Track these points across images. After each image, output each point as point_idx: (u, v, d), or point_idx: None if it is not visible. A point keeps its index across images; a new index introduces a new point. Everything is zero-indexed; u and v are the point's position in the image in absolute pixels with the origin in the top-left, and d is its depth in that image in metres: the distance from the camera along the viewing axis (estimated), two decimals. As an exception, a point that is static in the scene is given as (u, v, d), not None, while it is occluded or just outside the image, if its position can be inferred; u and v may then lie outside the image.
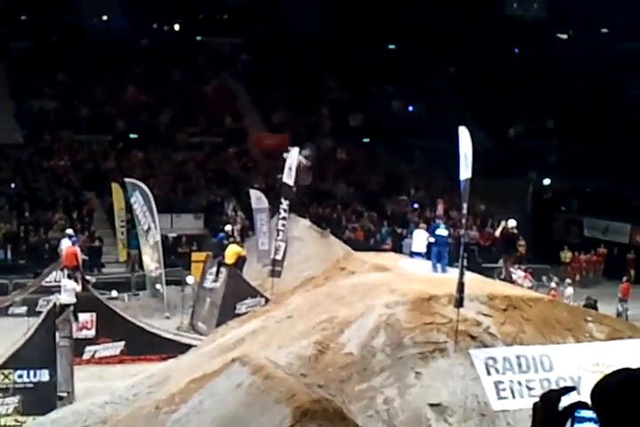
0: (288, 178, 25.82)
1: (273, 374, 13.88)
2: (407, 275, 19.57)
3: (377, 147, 40.14)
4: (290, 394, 13.20)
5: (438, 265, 20.14)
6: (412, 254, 22.33)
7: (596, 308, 24.42)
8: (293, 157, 26.55)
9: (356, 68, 41.25)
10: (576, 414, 2.23)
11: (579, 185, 36.22)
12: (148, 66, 40.61)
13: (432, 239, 20.66)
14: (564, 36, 36.80)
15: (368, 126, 40.96)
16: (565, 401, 2.21)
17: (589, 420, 2.20)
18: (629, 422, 2.05)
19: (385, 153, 39.56)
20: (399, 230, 34.57)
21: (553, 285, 28.07)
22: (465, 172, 17.31)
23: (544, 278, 29.49)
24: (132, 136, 38.51)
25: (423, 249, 21.56)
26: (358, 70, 41.19)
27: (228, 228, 29.05)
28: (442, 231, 20.88)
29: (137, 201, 30.12)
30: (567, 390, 2.23)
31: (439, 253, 20.23)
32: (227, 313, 23.65)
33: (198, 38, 42.56)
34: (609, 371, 10.60)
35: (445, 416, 14.45)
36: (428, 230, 21.91)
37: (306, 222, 30.43)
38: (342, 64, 41.42)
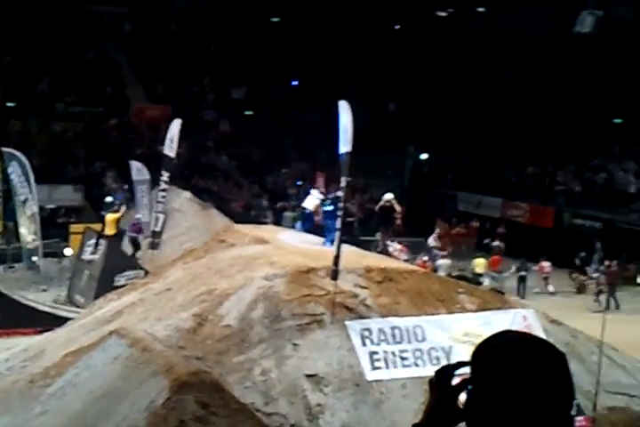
0: (169, 149, 25.63)
1: (150, 347, 13.92)
2: (286, 247, 19.75)
3: (259, 119, 40.15)
4: (167, 367, 13.28)
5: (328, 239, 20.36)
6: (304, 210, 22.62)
7: (466, 279, 25.14)
8: (175, 128, 26.34)
9: (239, 40, 41.06)
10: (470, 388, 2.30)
11: (454, 160, 37.00)
12: (27, 33, 39.54)
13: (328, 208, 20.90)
14: (444, 14, 37.45)
15: (251, 99, 40.92)
16: (459, 376, 2.25)
17: None
18: (504, 383, 2.07)
19: (267, 126, 39.62)
20: (280, 204, 34.77)
21: (425, 257, 28.70)
22: (345, 146, 17.53)
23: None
24: (9, 104, 37.53)
25: (311, 207, 21.90)
26: (241, 42, 41.02)
27: (108, 199, 28.73)
28: (328, 207, 21.15)
29: (14, 171, 29.50)
30: (460, 365, 2.26)
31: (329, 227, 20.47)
32: (105, 285, 23.44)
33: (81, 6, 41.59)
34: (479, 341, 11.09)
35: (321, 387, 14.73)
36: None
37: (187, 194, 30.31)
38: (225, 36, 41.17)
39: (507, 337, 2.20)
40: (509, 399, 2.05)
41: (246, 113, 40.58)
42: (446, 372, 2.23)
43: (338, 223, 17.32)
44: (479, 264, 29.92)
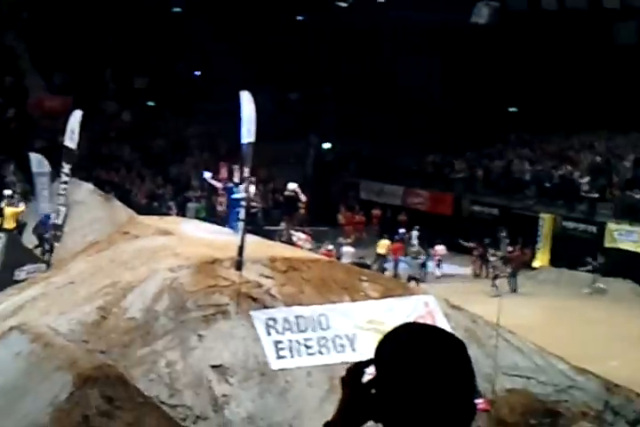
0: (70, 141, 25.23)
1: (53, 342, 13.80)
2: (191, 238, 19.73)
3: (162, 110, 39.83)
4: (70, 361, 13.20)
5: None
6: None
7: (368, 267, 25.52)
8: (75, 119, 25.94)
9: (141, 30, 40.63)
10: None
11: (356, 149, 37.32)
12: None
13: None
14: (344, 4, 37.73)
15: (153, 89, 40.55)
16: (369, 373, 2.22)
17: None
18: (408, 377, 2.09)
19: (169, 116, 39.34)
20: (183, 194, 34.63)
21: (330, 247, 28.95)
22: (247, 136, 17.60)
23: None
24: None
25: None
26: (143, 32, 40.60)
27: (7, 192, 28.17)
28: (237, 195, 21.26)
29: None
30: (371, 362, 2.22)
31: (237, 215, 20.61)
32: (5, 280, 23.00)
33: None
34: (382, 328, 11.39)
35: (226, 377, 14.82)
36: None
37: (89, 186, 29.86)
38: (127, 25, 40.68)
39: (408, 331, 2.19)
40: (414, 392, 2.08)
41: (148, 104, 40.21)
42: (356, 369, 2.27)
43: (242, 213, 17.39)
44: (382, 246, 30.39)
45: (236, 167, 21.32)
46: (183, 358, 15.01)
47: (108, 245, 19.98)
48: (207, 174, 22.69)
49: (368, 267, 25.49)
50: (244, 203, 17.36)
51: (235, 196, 21.12)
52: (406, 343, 2.13)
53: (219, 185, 22.34)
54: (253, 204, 25.78)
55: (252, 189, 21.65)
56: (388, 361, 2.14)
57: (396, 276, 29.06)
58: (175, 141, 38.28)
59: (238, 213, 20.37)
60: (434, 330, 2.19)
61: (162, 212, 31.64)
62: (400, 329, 2.19)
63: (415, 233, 31.67)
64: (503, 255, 29.57)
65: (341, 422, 2.23)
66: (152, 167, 36.78)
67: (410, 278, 28.00)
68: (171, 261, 17.05)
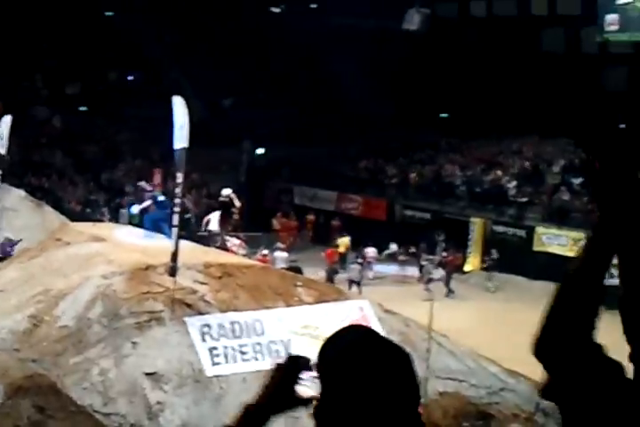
0: (0, 147, 24.89)
1: (-16, 351, 13.62)
2: (124, 245, 19.61)
3: (94, 116, 39.47)
4: (2, 371, 13.07)
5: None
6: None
7: (300, 272, 25.54)
8: (5, 124, 25.58)
9: (72, 34, 40.19)
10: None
11: (289, 154, 37.39)
12: None
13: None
14: (277, 10, 37.82)
15: (85, 95, 40.17)
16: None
17: None
18: (351, 385, 2.05)
19: (102, 122, 39.01)
20: (117, 200, 34.36)
21: (265, 251, 29.00)
22: (180, 141, 17.56)
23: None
24: None
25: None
26: (74, 37, 40.16)
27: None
28: (162, 198, 21.26)
29: None
30: (310, 367, 2.23)
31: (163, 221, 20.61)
32: None
33: None
34: (317, 333, 11.37)
35: (161, 384, 14.75)
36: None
37: (20, 192, 29.46)
38: (58, 30, 40.20)
39: (351, 334, 2.17)
40: (357, 399, 2.05)
41: (80, 109, 39.83)
42: (298, 360, 2.29)
43: (175, 219, 17.31)
44: (342, 244, 30.76)
45: (171, 173, 21.28)
46: (117, 366, 14.92)
47: (40, 252, 19.76)
48: (142, 183, 22.68)
49: (300, 271, 25.50)
50: (177, 209, 17.26)
51: (159, 199, 21.20)
52: (349, 347, 2.11)
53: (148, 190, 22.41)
54: (185, 210, 25.77)
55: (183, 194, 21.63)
56: (331, 365, 2.11)
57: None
58: (107, 147, 37.97)
59: (164, 220, 20.41)
60: (377, 337, 2.18)
61: (95, 218, 31.35)
62: (343, 332, 2.17)
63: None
64: (439, 259, 29.96)
65: (263, 406, 2.25)
66: (84, 173, 36.43)
67: (351, 282, 28.22)
68: (103, 268, 16.94)
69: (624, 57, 34.42)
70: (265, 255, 28.63)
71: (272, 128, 37.88)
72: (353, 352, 2.10)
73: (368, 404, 2.06)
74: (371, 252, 31.04)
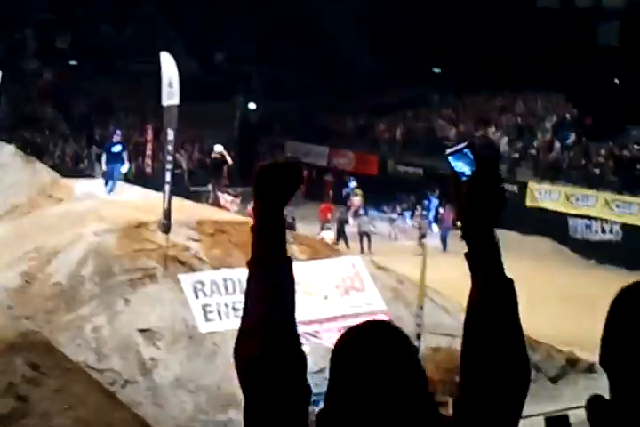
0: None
1: (-23, 308, 13.63)
2: (116, 201, 19.60)
3: (85, 69, 39.09)
4: (-5, 328, 13.07)
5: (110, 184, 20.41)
6: None
7: (293, 228, 25.50)
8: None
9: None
10: None
11: (282, 109, 37.13)
12: None
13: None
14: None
15: (75, 48, 39.75)
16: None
17: None
18: (362, 379, 1.99)
19: (93, 76, 38.64)
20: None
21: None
22: (169, 98, 17.38)
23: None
24: None
25: None
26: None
27: None
28: (116, 148, 21.18)
29: None
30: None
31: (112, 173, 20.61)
32: None
33: None
34: (310, 289, 11.29)
35: (154, 341, 14.82)
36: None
37: (10, 148, 29.29)
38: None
39: (363, 332, 2.08)
40: (368, 391, 1.98)
41: (71, 63, 39.44)
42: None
43: (167, 176, 17.22)
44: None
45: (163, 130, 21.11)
46: (110, 323, 14.97)
47: (32, 208, 19.71)
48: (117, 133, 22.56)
49: (293, 227, 25.46)
50: (169, 166, 17.17)
51: (114, 149, 21.12)
52: (360, 346, 2.03)
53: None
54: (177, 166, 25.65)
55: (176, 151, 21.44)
56: (342, 362, 2.05)
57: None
58: (99, 102, 37.67)
59: (115, 169, 20.47)
60: (389, 331, 2.09)
61: (86, 174, 31.26)
62: (355, 331, 2.09)
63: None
64: (434, 215, 29.99)
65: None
66: (75, 128, 36.20)
67: (362, 234, 28.39)
68: (96, 225, 16.91)
69: (618, 12, 34.17)
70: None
71: (265, 83, 37.62)
72: (357, 346, 2.04)
73: (380, 396, 2.00)
74: (356, 201, 30.88)
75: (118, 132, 23.46)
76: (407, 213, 31.53)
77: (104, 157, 21.53)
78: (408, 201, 31.64)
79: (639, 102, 29.60)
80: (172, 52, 18.64)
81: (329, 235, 27.61)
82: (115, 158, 20.99)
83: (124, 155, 21.43)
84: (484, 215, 2.04)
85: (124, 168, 21.71)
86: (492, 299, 2.02)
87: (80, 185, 21.54)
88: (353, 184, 32.57)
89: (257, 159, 36.92)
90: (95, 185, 22.22)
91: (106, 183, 20.72)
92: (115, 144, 21.36)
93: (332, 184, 33.85)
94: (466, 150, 2.06)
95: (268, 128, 37.90)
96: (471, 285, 2.03)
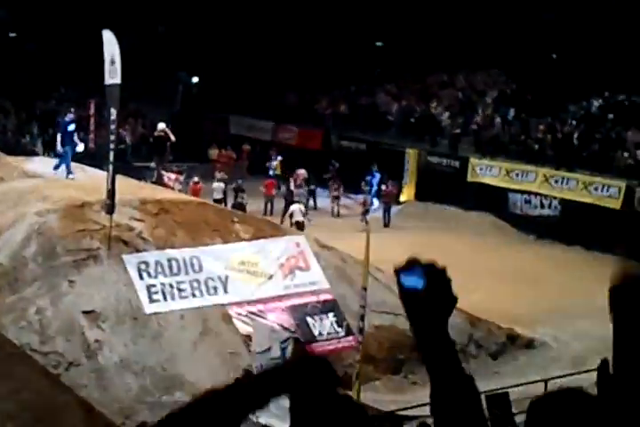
0: None
1: None
2: (59, 181, 19.46)
3: (25, 44, 38.45)
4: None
5: (63, 166, 20.23)
6: None
7: (244, 208, 25.45)
8: None
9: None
10: None
11: (225, 83, 36.89)
12: None
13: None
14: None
15: (14, 21, 39.04)
16: None
17: None
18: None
19: (33, 50, 38.03)
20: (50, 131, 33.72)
21: (196, 179, 28.75)
22: (111, 77, 17.24)
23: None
24: None
25: None
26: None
27: None
28: (70, 127, 20.85)
29: None
30: None
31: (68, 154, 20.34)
32: None
33: None
34: (254, 269, 11.50)
35: (98, 322, 14.84)
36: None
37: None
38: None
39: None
40: None
41: (11, 35, 38.77)
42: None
43: (110, 156, 17.09)
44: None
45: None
46: (54, 305, 14.96)
47: (-27, 187, 19.49)
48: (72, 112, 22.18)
49: (244, 208, 25.34)
50: (112, 145, 17.07)
51: (69, 127, 20.78)
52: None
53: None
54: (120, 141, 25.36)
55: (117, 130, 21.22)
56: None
57: (271, 212, 29.37)
58: (40, 75, 37.07)
59: (68, 149, 20.16)
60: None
61: (28, 149, 30.94)
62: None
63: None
64: (375, 190, 30.13)
65: None
66: (17, 102, 35.65)
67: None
68: (39, 205, 16.81)
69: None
70: (197, 183, 28.43)
71: (207, 57, 37.30)
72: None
73: None
74: (302, 173, 30.64)
75: (72, 109, 23.09)
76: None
77: (59, 137, 21.06)
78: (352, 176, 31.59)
79: (578, 78, 30.00)
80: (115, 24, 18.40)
81: (300, 207, 27.25)
82: (70, 138, 20.63)
83: (76, 134, 21.13)
84: (439, 321, 2.20)
85: (80, 148, 21.38)
86: (454, 396, 2.15)
87: (22, 163, 21.32)
88: (279, 158, 32.74)
89: (201, 134, 36.82)
90: (38, 163, 22.02)
91: (61, 165, 20.30)
92: (69, 123, 20.94)
93: (281, 162, 33.66)
94: (415, 266, 2.21)
95: (212, 102, 37.65)
96: (431, 383, 2.17)
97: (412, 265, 2.18)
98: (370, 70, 36.96)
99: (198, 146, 34.65)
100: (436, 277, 2.18)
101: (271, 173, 32.45)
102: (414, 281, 2.18)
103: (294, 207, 27.11)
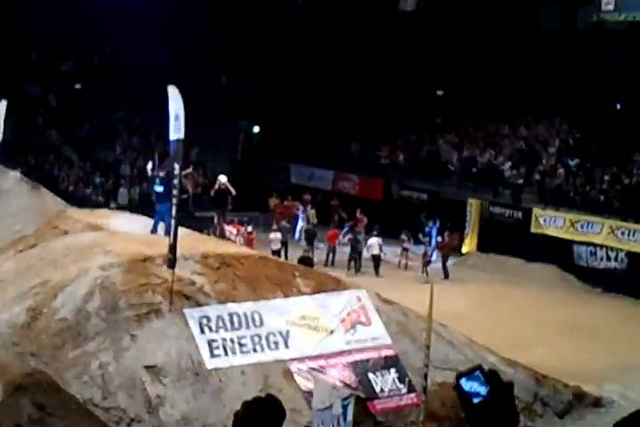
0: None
1: (-17, 347, 13.61)
2: (122, 234, 19.55)
3: (89, 93, 39.21)
4: (0, 368, 13.04)
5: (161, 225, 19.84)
6: None
7: (311, 262, 24.99)
8: (0, 109, 25.52)
9: (62, 9, 39.73)
10: None
11: (285, 133, 37.08)
12: None
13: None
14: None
15: (79, 72, 39.88)
16: None
17: None
18: None
19: (97, 99, 38.75)
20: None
21: (249, 229, 28.81)
22: (175, 132, 17.37)
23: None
24: None
25: None
26: (64, 12, 39.70)
27: None
28: (158, 188, 20.57)
29: None
30: None
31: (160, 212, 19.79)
32: None
33: None
34: (315, 324, 11.46)
35: (160, 378, 14.78)
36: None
37: (15, 174, 29.40)
38: (49, 5, 39.78)
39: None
40: None
41: (76, 86, 39.56)
42: None
43: (173, 211, 17.19)
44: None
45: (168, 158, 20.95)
46: (116, 359, 14.94)
47: (37, 240, 19.73)
48: (149, 166, 22.30)
49: (311, 261, 24.92)
50: (174, 201, 17.13)
51: (157, 188, 20.49)
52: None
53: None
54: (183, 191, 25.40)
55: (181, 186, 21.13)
56: None
57: (332, 262, 29.34)
58: (103, 126, 37.74)
59: (162, 207, 19.53)
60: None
61: (91, 199, 31.34)
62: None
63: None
64: (435, 243, 29.83)
65: None
66: (80, 152, 36.25)
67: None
68: (101, 259, 16.89)
69: (619, 34, 34.14)
70: (250, 233, 28.48)
71: (268, 106, 37.62)
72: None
73: None
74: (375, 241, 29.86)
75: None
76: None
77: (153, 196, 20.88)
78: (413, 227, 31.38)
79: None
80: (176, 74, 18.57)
81: (276, 236, 29.16)
82: (162, 198, 19.68)
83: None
84: None
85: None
86: None
87: (84, 216, 21.54)
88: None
89: (261, 183, 37.01)
90: (100, 215, 22.23)
91: (157, 224, 19.88)
92: (159, 183, 20.29)
93: (338, 208, 33.74)
94: (477, 372, 2.14)
95: (272, 151, 37.85)
96: None
97: (474, 371, 2.12)
98: (430, 119, 36.96)
99: (259, 195, 34.82)
100: (501, 388, 2.10)
101: (302, 223, 32.38)
102: (476, 387, 2.12)
103: (372, 241, 28.14)
